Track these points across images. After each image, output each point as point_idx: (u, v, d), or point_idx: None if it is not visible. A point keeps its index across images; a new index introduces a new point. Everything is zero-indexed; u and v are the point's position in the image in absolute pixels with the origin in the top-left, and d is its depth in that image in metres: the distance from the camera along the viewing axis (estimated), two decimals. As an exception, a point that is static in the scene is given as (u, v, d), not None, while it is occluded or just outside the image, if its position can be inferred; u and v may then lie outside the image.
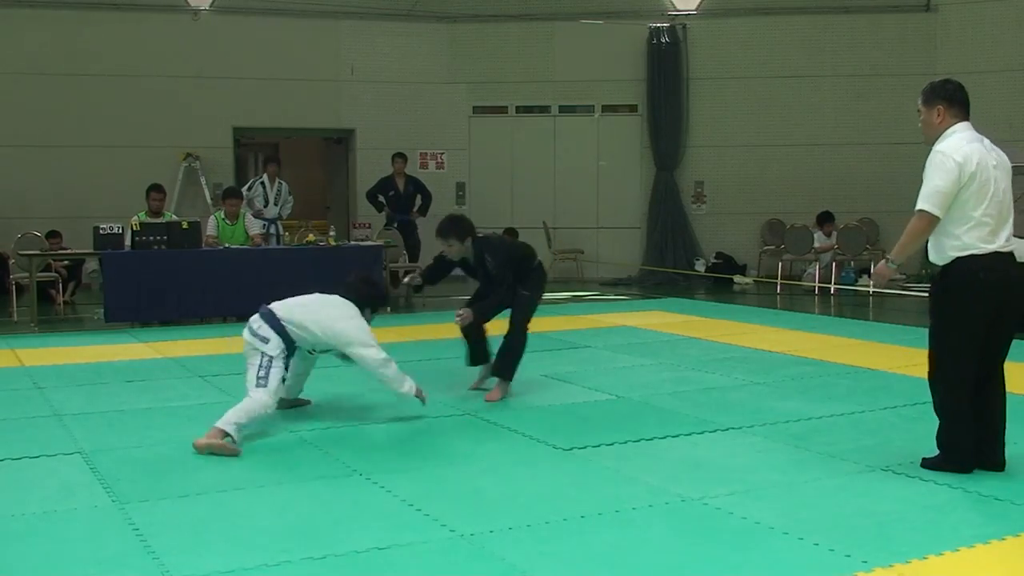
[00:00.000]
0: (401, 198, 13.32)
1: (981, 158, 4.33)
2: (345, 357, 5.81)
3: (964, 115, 4.48)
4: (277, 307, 5.69)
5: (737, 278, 14.28)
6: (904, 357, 7.60)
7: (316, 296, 5.89)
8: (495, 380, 6.50)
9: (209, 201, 13.88)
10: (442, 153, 15.28)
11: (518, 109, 15.47)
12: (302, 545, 3.69)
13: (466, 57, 15.19)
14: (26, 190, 13.59)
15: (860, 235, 13.58)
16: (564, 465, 4.83)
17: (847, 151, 14.97)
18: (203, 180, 14.22)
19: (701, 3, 15.08)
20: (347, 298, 5.83)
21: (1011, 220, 4.43)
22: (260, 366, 5.46)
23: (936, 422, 4.54)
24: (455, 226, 6.52)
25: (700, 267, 14.86)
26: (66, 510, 4.17)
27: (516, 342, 6.47)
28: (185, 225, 10.28)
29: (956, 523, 3.92)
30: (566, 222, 15.27)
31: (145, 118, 13.99)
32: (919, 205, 4.35)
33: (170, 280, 9.92)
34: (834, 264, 13.33)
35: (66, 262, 12.06)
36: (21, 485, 4.56)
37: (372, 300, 5.95)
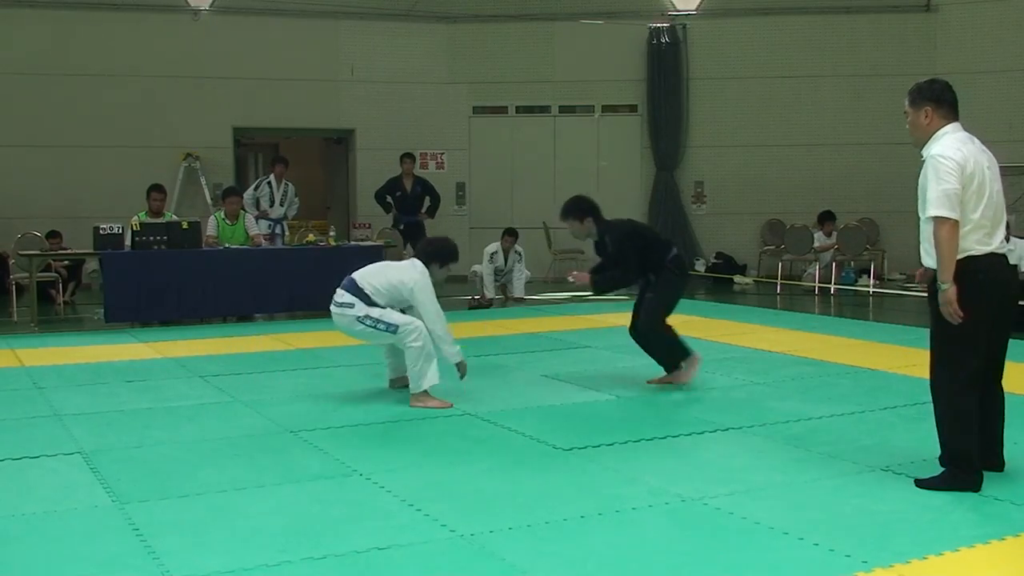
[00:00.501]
0: (408, 199, 13.18)
1: (977, 159, 4.25)
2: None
3: (953, 116, 4.38)
4: (356, 274, 6.27)
5: (737, 278, 14.28)
6: (904, 357, 7.60)
7: (388, 262, 6.65)
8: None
9: (209, 201, 13.89)
10: (442, 153, 15.28)
11: (518, 109, 15.47)
12: (302, 545, 3.69)
13: (466, 57, 15.19)
14: (26, 190, 13.59)
15: (860, 235, 13.58)
16: (564, 465, 4.82)
17: (847, 151, 14.98)
18: (203, 180, 14.22)
19: (701, 3, 15.07)
20: (417, 259, 6.41)
21: (1004, 222, 4.36)
22: (375, 328, 6.07)
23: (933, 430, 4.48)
24: (572, 205, 6.63)
25: (700, 267, 14.86)
26: (66, 510, 4.17)
27: (649, 345, 6.64)
28: (185, 225, 10.28)
29: (956, 523, 3.91)
30: (566, 222, 15.24)
31: (145, 118, 14.00)
32: (933, 212, 4.16)
33: (170, 280, 9.92)
34: (834, 264, 13.33)
35: (66, 262, 12.05)
36: (21, 485, 4.56)
37: (435, 255, 6.39)
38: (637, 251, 6.46)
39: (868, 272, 13.52)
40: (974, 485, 4.27)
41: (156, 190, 10.87)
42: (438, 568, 3.51)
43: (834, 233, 13.55)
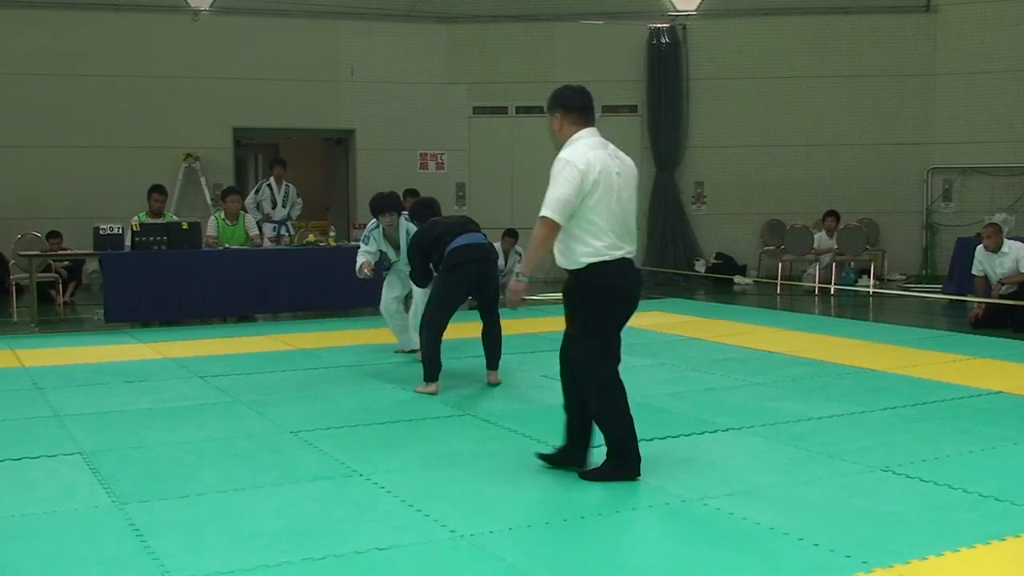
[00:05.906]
0: None
1: (604, 165, 4.35)
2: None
3: (584, 121, 4.49)
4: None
5: (737, 278, 14.28)
6: (904, 357, 7.60)
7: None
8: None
9: (209, 201, 13.88)
10: (442, 153, 15.27)
11: (518, 109, 15.45)
12: (302, 545, 3.69)
13: (466, 57, 15.19)
14: (26, 190, 13.59)
15: (860, 235, 13.58)
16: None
17: (847, 151, 14.97)
18: (203, 180, 14.22)
19: (701, 3, 15.07)
20: None
21: (635, 229, 4.51)
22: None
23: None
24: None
25: (700, 267, 14.85)
26: (66, 510, 4.17)
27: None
28: (185, 225, 10.27)
29: (956, 523, 3.91)
30: (566, 222, 15.24)
31: (145, 118, 13.99)
32: (542, 212, 4.36)
33: (170, 280, 9.91)
34: (834, 264, 13.33)
35: (66, 262, 12.05)
36: (21, 485, 4.56)
37: (374, 208, 7.57)
38: (421, 252, 6.78)
39: (868, 272, 13.53)
40: (634, 473, 4.45)
41: (157, 191, 10.87)
42: (438, 568, 3.51)
43: (834, 234, 13.54)
